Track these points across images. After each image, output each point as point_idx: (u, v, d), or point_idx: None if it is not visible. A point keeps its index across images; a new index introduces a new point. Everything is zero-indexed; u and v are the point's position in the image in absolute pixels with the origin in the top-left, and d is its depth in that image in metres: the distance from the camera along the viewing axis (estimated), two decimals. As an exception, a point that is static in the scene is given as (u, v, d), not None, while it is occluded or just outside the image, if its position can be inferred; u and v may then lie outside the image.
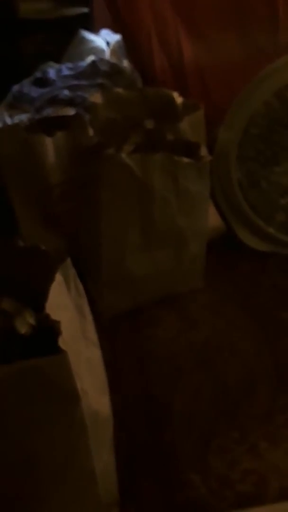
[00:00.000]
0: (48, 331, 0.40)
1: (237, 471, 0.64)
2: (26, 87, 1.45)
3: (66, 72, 1.45)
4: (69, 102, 1.24)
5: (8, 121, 1.23)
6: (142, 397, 0.76)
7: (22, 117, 1.23)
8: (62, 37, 1.71)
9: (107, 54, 1.55)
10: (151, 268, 0.91)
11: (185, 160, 0.83)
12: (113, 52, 1.55)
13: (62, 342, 0.39)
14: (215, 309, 0.95)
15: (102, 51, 1.58)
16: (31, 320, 0.46)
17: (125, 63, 1.44)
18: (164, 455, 0.66)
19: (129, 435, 0.69)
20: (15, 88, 1.42)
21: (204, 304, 0.97)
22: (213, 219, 1.09)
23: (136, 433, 0.70)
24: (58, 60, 1.62)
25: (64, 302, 0.47)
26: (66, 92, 1.29)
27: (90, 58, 1.49)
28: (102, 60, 1.44)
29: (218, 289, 1.00)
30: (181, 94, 1.09)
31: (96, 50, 1.58)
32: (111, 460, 0.54)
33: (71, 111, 1.14)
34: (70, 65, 1.52)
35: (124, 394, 0.76)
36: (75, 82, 1.35)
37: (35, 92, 1.40)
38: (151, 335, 0.89)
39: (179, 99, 1.06)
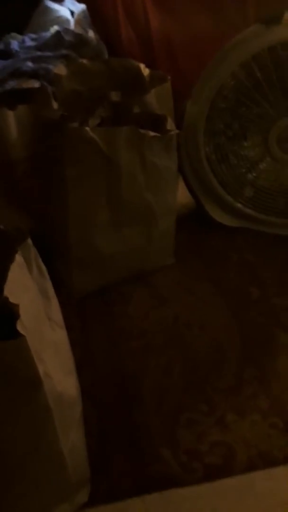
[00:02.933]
0: (7, 314, 0.39)
1: (206, 443, 0.65)
2: (-13, 58, 1.38)
3: (29, 43, 1.39)
4: (33, 74, 1.19)
5: None
6: (112, 374, 0.76)
7: (-16, 90, 1.18)
8: (25, 7, 1.64)
9: (72, 24, 1.50)
10: (120, 245, 0.90)
11: (151, 133, 0.81)
12: (78, 22, 1.49)
13: (21, 326, 0.37)
14: (185, 285, 0.96)
15: (67, 21, 1.52)
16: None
17: (91, 34, 1.39)
18: (135, 430, 0.67)
19: (100, 411, 0.69)
20: (-24, 59, 1.35)
21: (174, 281, 0.97)
22: (182, 195, 1.08)
23: (107, 409, 0.70)
24: (20, 31, 1.56)
25: (25, 283, 0.45)
26: (29, 64, 1.24)
27: (54, 28, 1.44)
28: (66, 30, 1.39)
29: (188, 265, 1.01)
30: (148, 66, 1.06)
31: (61, 20, 1.52)
32: (79, 439, 0.54)
33: (34, 84, 1.10)
34: (33, 35, 1.46)
35: (95, 371, 0.76)
36: (39, 53, 1.30)
37: (-3, 64, 1.34)
38: (122, 313, 0.89)
39: (146, 71, 1.03)
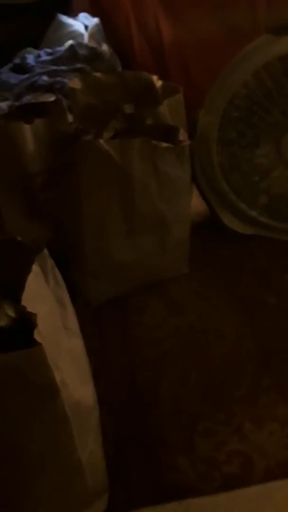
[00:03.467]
0: (25, 323, 0.40)
1: (223, 452, 0.65)
2: (4, 74, 1.42)
3: (44, 57, 1.42)
4: (48, 88, 1.22)
5: (-13, 109, 1.21)
6: (129, 383, 0.76)
7: (1, 105, 1.21)
8: (40, 22, 1.67)
9: (86, 38, 1.52)
10: (135, 254, 0.91)
11: (164, 144, 0.82)
12: (92, 36, 1.52)
13: (39, 335, 0.38)
14: (200, 293, 0.96)
15: (81, 35, 1.55)
16: (11, 312, 0.46)
17: (104, 47, 1.42)
18: (152, 439, 0.67)
19: (117, 420, 0.70)
20: (-7, 75, 1.39)
21: (189, 289, 0.97)
22: (196, 203, 1.09)
23: (124, 418, 0.70)
24: (36, 45, 1.59)
25: (42, 293, 0.46)
26: (45, 78, 1.26)
27: (69, 42, 1.46)
28: (80, 44, 1.41)
29: (203, 274, 1.01)
30: (161, 77, 1.07)
31: (75, 35, 1.55)
32: (97, 447, 0.54)
33: (50, 97, 1.12)
34: (48, 50, 1.49)
35: (112, 380, 0.77)
36: (54, 67, 1.33)
37: (14, 78, 1.37)
38: (138, 322, 0.89)
39: (158, 83, 1.04)
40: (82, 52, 1.37)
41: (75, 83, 1.03)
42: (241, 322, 0.87)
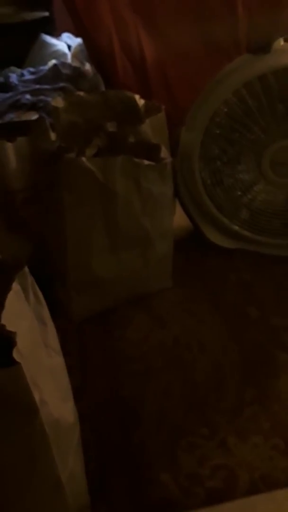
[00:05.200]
0: (3, 342, 0.40)
1: (207, 467, 0.65)
2: (-12, 92, 1.43)
3: (28, 76, 1.44)
4: (31, 107, 1.23)
5: None
6: (112, 398, 0.76)
7: (-15, 123, 1.22)
8: (24, 42, 1.70)
9: (69, 58, 1.55)
10: (118, 270, 0.92)
11: (146, 162, 0.84)
12: (75, 55, 1.54)
13: (18, 353, 0.39)
14: (184, 307, 0.96)
15: (64, 54, 1.57)
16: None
17: (87, 66, 1.44)
18: (134, 455, 0.67)
19: (99, 436, 0.70)
20: (-23, 93, 1.40)
21: (173, 303, 0.98)
22: (180, 219, 1.10)
23: (106, 433, 0.70)
24: (19, 64, 1.61)
25: (22, 311, 0.47)
26: (28, 97, 1.28)
27: (52, 62, 1.49)
28: (64, 63, 1.44)
29: (186, 288, 1.02)
30: (144, 95, 1.09)
31: (58, 54, 1.58)
32: (78, 465, 0.54)
33: (33, 116, 1.14)
34: (32, 69, 1.51)
35: (94, 395, 0.77)
36: (37, 86, 1.35)
37: (-3, 97, 1.39)
38: (121, 336, 0.89)
39: (140, 101, 1.07)
40: (65, 71, 1.39)
41: (58, 102, 1.05)
42: (225, 335, 0.88)
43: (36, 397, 0.40)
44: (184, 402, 0.75)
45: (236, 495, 0.62)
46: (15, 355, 0.38)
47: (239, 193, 1.07)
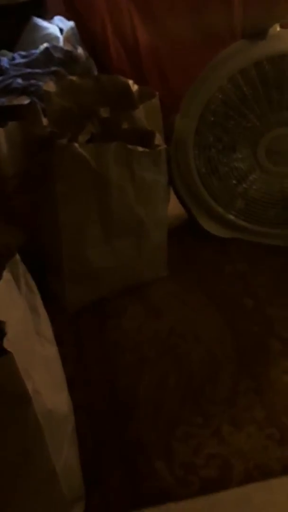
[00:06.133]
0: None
1: (202, 456, 0.64)
2: (-22, 76, 1.40)
3: (19, 60, 1.41)
4: (23, 91, 1.21)
5: None
6: (107, 388, 0.76)
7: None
8: (15, 25, 1.66)
9: (61, 41, 1.52)
10: (112, 259, 0.91)
11: (139, 149, 0.82)
12: (67, 39, 1.51)
13: (9, 343, 0.37)
14: (179, 297, 0.96)
15: (56, 38, 1.54)
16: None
17: (80, 50, 1.41)
18: (130, 444, 0.66)
19: (94, 425, 0.69)
20: None
21: (168, 293, 0.97)
22: (174, 207, 1.09)
23: (101, 423, 0.70)
24: (10, 48, 1.58)
25: (13, 300, 0.45)
26: (19, 81, 1.25)
27: (44, 45, 1.46)
28: (55, 47, 1.41)
29: (181, 277, 1.01)
30: (137, 81, 1.07)
31: (50, 38, 1.54)
32: (73, 455, 0.53)
33: (25, 100, 1.11)
34: (23, 53, 1.48)
35: (89, 385, 0.76)
36: (29, 70, 1.32)
37: (-13, 81, 1.35)
38: (116, 326, 0.89)
39: (134, 87, 1.04)
40: (57, 55, 1.36)
41: (50, 86, 1.03)
42: (220, 325, 0.87)
43: (29, 387, 0.39)
44: (179, 392, 0.74)
45: (231, 484, 0.62)
46: (5, 344, 0.37)
47: (234, 182, 1.06)
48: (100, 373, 0.79)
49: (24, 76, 1.27)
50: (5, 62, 1.41)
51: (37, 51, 1.43)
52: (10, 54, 1.50)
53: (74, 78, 1.07)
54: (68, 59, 1.35)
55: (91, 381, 0.77)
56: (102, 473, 0.63)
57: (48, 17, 1.70)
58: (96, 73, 1.36)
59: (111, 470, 0.63)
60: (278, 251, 1.07)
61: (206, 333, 0.86)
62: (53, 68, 1.29)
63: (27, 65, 1.36)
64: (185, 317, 0.90)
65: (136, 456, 0.65)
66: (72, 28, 1.52)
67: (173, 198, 1.09)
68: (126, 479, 0.62)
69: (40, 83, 1.19)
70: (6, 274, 0.45)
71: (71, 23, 1.55)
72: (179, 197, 1.10)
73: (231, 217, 1.08)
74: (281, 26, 0.97)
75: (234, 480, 0.62)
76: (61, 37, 1.55)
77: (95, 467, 0.63)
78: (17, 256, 0.47)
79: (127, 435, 0.68)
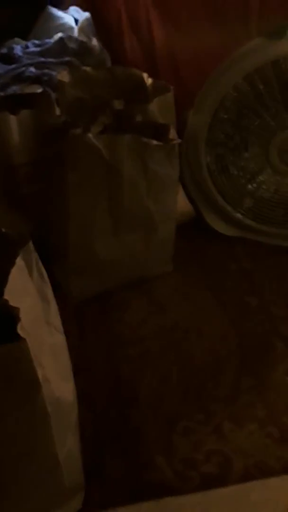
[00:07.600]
0: (7, 317, 0.39)
1: (202, 452, 0.65)
2: (-10, 63, 1.39)
3: (32, 48, 1.40)
4: (35, 80, 1.20)
5: (-29, 98, 1.18)
6: (109, 380, 0.76)
7: (-14, 95, 1.18)
8: (29, 13, 1.65)
9: (76, 32, 1.51)
10: (119, 252, 0.91)
11: (154, 142, 0.82)
12: (82, 29, 1.50)
13: (22, 329, 0.37)
14: (183, 293, 0.96)
15: (71, 28, 1.53)
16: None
17: (94, 42, 1.40)
18: (130, 437, 0.67)
19: (96, 418, 0.69)
20: (-21, 64, 1.36)
21: (172, 288, 0.97)
22: (182, 203, 1.09)
23: (103, 416, 0.70)
24: (24, 36, 1.57)
25: (25, 287, 0.45)
26: (32, 69, 1.24)
27: (58, 35, 1.45)
28: (70, 37, 1.40)
29: (186, 273, 1.01)
30: (151, 75, 1.07)
31: (64, 27, 1.53)
32: (75, 445, 0.53)
33: (37, 89, 1.11)
34: (37, 41, 1.47)
35: (92, 377, 0.76)
36: (42, 59, 1.31)
37: (0, 68, 1.35)
38: (120, 319, 0.89)
39: (148, 80, 1.04)
40: (71, 45, 1.36)
41: (63, 76, 1.02)
42: (223, 322, 0.87)
43: (39, 374, 0.39)
44: (181, 387, 0.74)
45: (230, 481, 0.62)
46: (19, 331, 0.37)
47: (243, 180, 1.05)
48: (102, 365, 0.79)
49: (37, 65, 1.27)
50: (18, 50, 1.41)
51: (51, 40, 1.42)
52: (23, 42, 1.49)
53: (88, 69, 1.07)
54: (82, 50, 1.34)
55: (93, 372, 0.77)
56: (102, 464, 0.63)
57: (64, 7, 1.69)
58: (110, 65, 1.35)
59: (111, 462, 0.63)
60: (284, 250, 1.07)
61: (209, 329, 0.86)
62: (67, 58, 1.29)
63: (40, 54, 1.35)
64: (189, 313, 0.90)
65: (136, 449, 0.65)
66: (87, 19, 1.51)
67: (181, 194, 1.09)
68: (126, 471, 0.62)
69: (53, 72, 1.18)
70: (19, 261, 0.45)
71: (86, 14, 1.54)
72: (187, 193, 1.10)
73: (239, 215, 1.08)
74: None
75: (233, 477, 0.62)
76: (76, 28, 1.55)
77: (94, 458, 0.63)
78: (31, 244, 0.47)
79: (128, 427, 0.68)
